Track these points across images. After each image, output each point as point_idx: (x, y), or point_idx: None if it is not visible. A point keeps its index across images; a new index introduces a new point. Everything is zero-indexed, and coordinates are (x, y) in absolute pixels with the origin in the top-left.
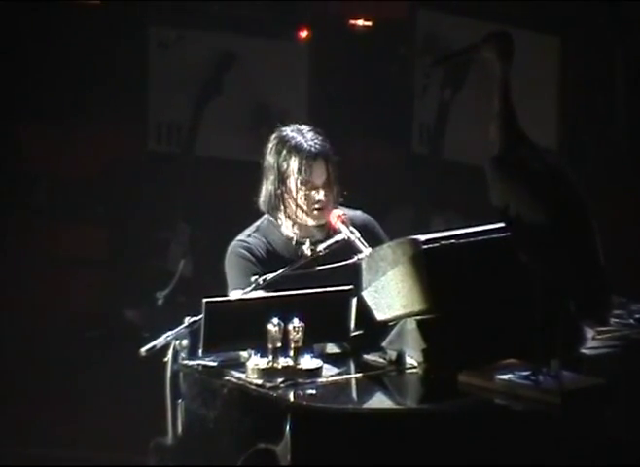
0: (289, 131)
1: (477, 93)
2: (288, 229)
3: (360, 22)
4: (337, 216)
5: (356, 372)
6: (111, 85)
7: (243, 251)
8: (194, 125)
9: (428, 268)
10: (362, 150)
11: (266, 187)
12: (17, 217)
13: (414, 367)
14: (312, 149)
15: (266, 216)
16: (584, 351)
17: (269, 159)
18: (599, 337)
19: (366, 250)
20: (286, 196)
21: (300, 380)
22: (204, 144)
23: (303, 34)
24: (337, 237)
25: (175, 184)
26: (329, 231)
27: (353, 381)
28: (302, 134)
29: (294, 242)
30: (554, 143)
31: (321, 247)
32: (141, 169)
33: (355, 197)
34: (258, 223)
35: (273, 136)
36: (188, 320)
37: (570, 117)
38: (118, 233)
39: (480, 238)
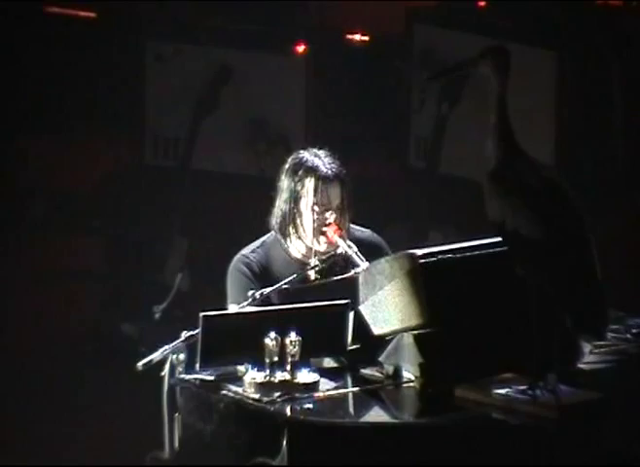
0: (306, 154)
1: (474, 108)
2: (295, 249)
3: (357, 37)
4: (333, 230)
5: (353, 386)
6: (108, 98)
7: (243, 267)
8: (190, 139)
9: (425, 282)
10: (359, 164)
11: (279, 206)
12: (14, 230)
13: (411, 381)
14: (328, 172)
15: (273, 232)
16: (581, 366)
17: (284, 179)
18: (596, 351)
19: (363, 264)
20: (298, 216)
21: (297, 395)
22: (201, 158)
23: (301, 49)
24: (329, 254)
25: (172, 198)
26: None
27: (350, 396)
28: (320, 158)
29: (300, 263)
30: (551, 158)
31: (317, 261)
32: (138, 183)
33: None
34: (264, 238)
35: (290, 158)
36: (185, 334)
37: (567, 131)
38: (115, 247)
39: (476, 253)
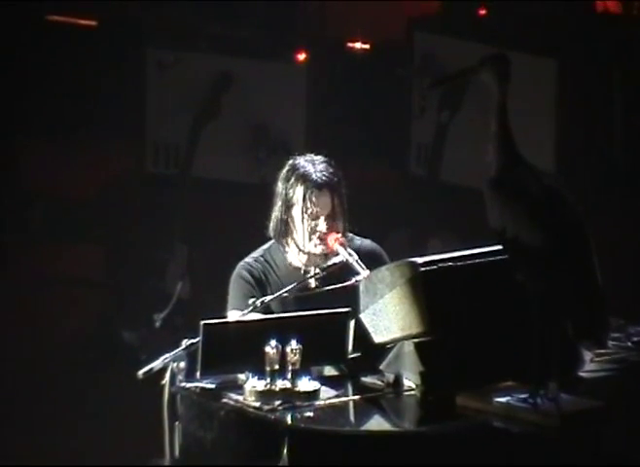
0: (302, 160)
1: (474, 115)
2: (293, 256)
3: (358, 44)
4: (334, 238)
5: (354, 394)
6: (109, 106)
7: (245, 273)
8: (191, 147)
9: (426, 290)
10: (359, 171)
11: (274, 213)
12: (14, 237)
13: (412, 389)
14: (318, 180)
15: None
16: (581, 374)
17: (279, 185)
18: (597, 359)
19: (364, 272)
20: (290, 223)
21: (297, 403)
22: (202, 165)
23: (301, 56)
24: (335, 259)
25: (173, 205)
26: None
27: (351, 404)
28: (314, 164)
29: (300, 271)
30: (552, 164)
31: (319, 269)
32: (139, 190)
33: (352, 218)
34: (266, 246)
35: (287, 164)
36: (186, 342)
37: (567, 138)
38: (116, 254)
39: (477, 261)
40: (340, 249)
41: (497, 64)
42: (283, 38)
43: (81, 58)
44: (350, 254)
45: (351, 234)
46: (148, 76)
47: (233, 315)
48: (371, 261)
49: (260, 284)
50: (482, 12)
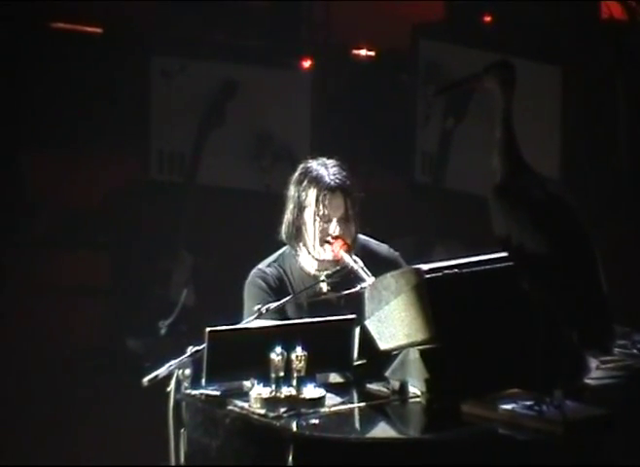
0: (314, 164)
1: (479, 123)
2: (305, 261)
3: (362, 52)
4: (339, 245)
5: (359, 401)
6: (113, 114)
7: (259, 281)
8: (196, 154)
9: (431, 297)
10: (364, 179)
11: (286, 216)
12: (17, 246)
13: (417, 396)
14: (332, 182)
15: (288, 245)
16: (587, 381)
17: (291, 188)
18: (603, 366)
19: (369, 279)
20: (303, 226)
21: (302, 410)
22: (206, 173)
23: (306, 64)
24: (341, 266)
25: (177, 213)
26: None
27: (356, 411)
28: (326, 167)
29: (312, 276)
30: (556, 172)
31: (323, 276)
32: (143, 198)
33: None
34: (280, 251)
35: (299, 167)
36: (190, 349)
37: (571, 146)
38: (120, 263)
39: (482, 268)
40: (345, 256)
41: (501, 71)
42: (288, 45)
43: (85, 66)
44: (355, 261)
45: (365, 237)
46: (152, 84)
47: (251, 324)
48: (387, 267)
49: (275, 290)
50: (487, 19)
